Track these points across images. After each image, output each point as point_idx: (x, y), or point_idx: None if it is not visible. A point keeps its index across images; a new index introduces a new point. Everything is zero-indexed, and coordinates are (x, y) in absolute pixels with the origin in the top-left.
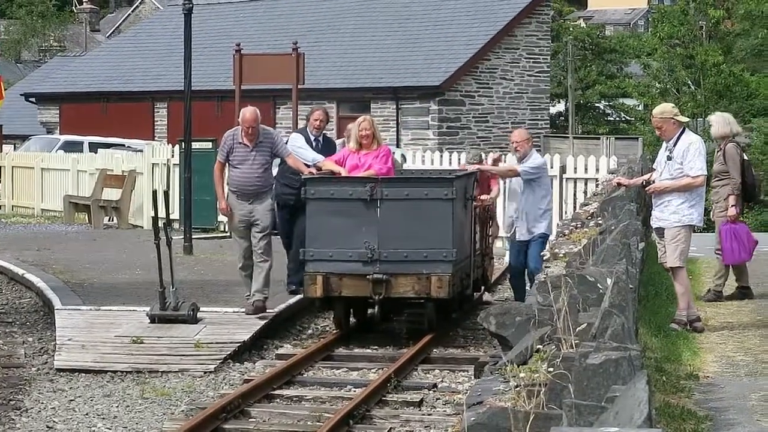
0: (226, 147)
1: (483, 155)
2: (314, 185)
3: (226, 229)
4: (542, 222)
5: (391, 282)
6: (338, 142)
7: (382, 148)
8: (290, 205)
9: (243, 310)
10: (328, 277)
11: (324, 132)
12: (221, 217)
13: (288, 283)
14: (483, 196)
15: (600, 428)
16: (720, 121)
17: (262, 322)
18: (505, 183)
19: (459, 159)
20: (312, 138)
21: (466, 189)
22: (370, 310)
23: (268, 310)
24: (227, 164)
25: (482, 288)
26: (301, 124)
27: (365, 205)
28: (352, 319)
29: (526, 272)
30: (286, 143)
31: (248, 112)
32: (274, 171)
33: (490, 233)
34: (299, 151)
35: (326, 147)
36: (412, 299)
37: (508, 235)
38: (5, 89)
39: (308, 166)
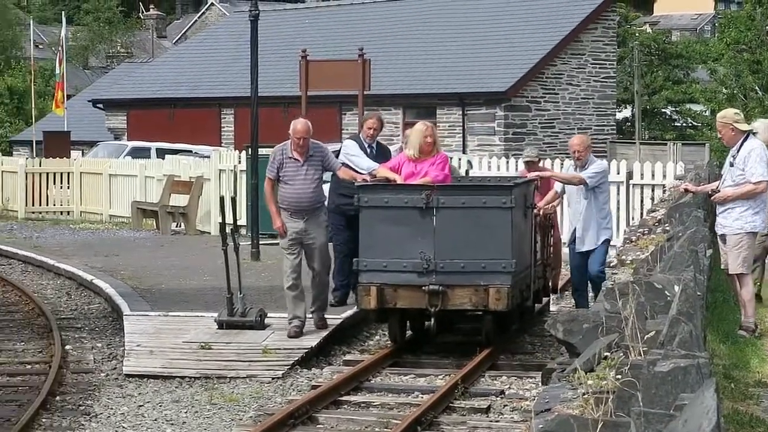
0: (276, 163)
1: (538, 153)
2: (368, 193)
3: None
4: (606, 229)
5: (448, 294)
6: (393, 148)
7: (439, 155)
8: (350, 215)
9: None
10: (382, 289)
11: (378, 139)
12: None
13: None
14: (540, 203)
15: None
16: (765, 128)
17: (329, 329)
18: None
19: (516, 165)
20: (366, 145)
21: (526, 197)
22: (426, 323)
23: (333, 317)
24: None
25: (543, 299)
26: None
27: (420, 213)
28: (408, 332)
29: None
30: (339, 151)
31: (299, 123)
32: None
33: (552, 242)
34: (353, 159)
35: (380, 154)
36: (470, 311)
37: (568, 243)
38: (72, 96)
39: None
